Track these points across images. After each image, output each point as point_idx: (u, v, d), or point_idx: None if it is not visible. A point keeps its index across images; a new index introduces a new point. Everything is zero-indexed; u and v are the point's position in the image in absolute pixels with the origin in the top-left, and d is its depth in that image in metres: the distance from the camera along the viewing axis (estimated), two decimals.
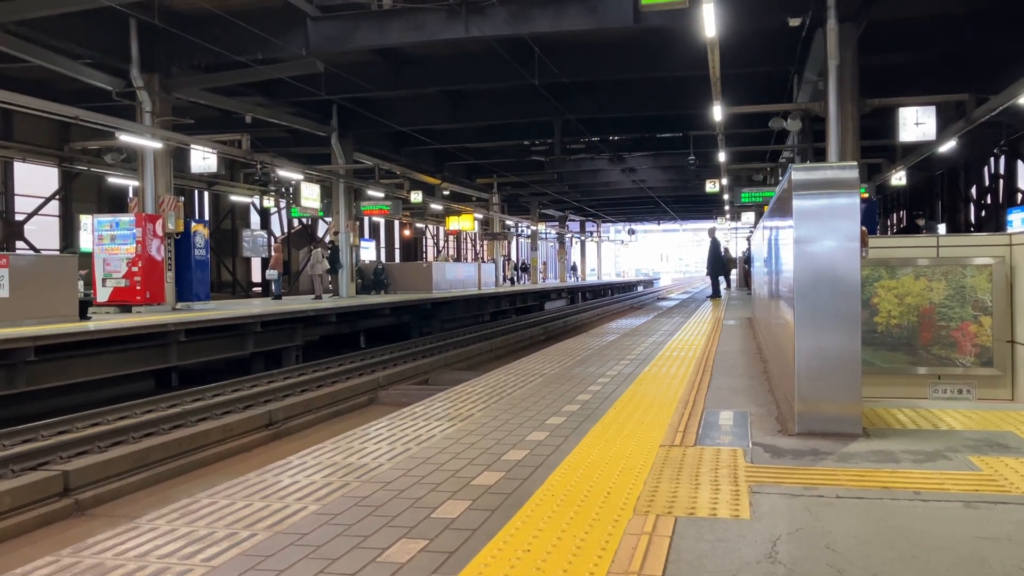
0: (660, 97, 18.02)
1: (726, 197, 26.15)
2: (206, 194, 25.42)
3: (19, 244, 18.76)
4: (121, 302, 14.08)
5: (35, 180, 19.47)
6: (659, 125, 21.56)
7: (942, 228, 23.81)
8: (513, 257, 48.26)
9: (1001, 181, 21.97)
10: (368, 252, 31.53)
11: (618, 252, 76.53)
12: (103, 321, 11.72)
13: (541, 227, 42.49)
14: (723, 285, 20.80)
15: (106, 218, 14.59)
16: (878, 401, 4.60)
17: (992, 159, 22.07)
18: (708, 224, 34.38)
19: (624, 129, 22.30)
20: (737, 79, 15.21)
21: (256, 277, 28.42)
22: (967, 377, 5.14)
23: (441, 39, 12.68)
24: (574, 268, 52.43)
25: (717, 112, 13.20)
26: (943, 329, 5.13)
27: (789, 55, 13.47)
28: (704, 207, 43.41)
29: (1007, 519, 2.52)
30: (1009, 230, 17.56)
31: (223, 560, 2.30)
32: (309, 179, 19.14)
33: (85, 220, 18.26)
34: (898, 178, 19.83)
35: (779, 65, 14.47)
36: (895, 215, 35.09)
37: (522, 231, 44.79)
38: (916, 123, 12.22)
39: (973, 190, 24.81)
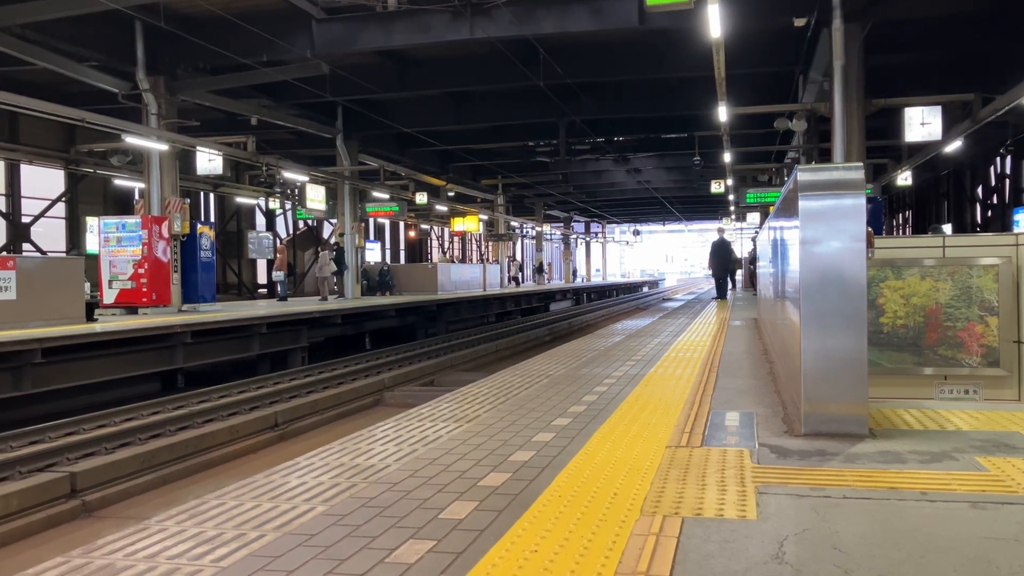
0: (665, 98, 18.02)
1: (731, 198, 26.11)
2: (212, 196, 25.49)
3: (26, 246, 18.84)
4: (127, 304, 14.14)
5: (41, 182, 19.56)
6: (664, 126, 21.54)
7: (948, 228, 23.72)
8: (518, 258, 48.18)
9: (1007, 181, 21.93)
10: (373, 253, 31.61)
11: (623, 253, 76.49)
12: (109, 323, 11.77)
13: (546, 228, 42.47)
14: (728, 285, 20.76)
15: (112, 220, 14.64)
16: (884, 401, 4.60)
17: (998, 159, 22.02)
18: (714, 224, 34.37)
19: (629, 130, 22.30)
20: (742, 79, 15.20)
21: (262, 279, 28.50)
22: (973, 377, 5.12)
23: (446, 40, 12.69)
24: (575, 272, 52.39)
25: (722, 113, 13.20)
26: (949, 329, 5.12)
27: (794, 55, 13.47)
28: (709, 207, 43.32)
29: (1014, 519, 2.52)
30: (1016, 230, 17.51)
31: (232, 561, 2.31)
32: (314, 181, 19.17)
33: (91, 222, 18.35)
34: (904, 178, 19.77)
35: (784, 65, 14.45)
36: (901, 215, 35.01)
37: (527, 232, 44.77)
38: (922, 123, 12.20)
39: (979, 190, 24.74)
